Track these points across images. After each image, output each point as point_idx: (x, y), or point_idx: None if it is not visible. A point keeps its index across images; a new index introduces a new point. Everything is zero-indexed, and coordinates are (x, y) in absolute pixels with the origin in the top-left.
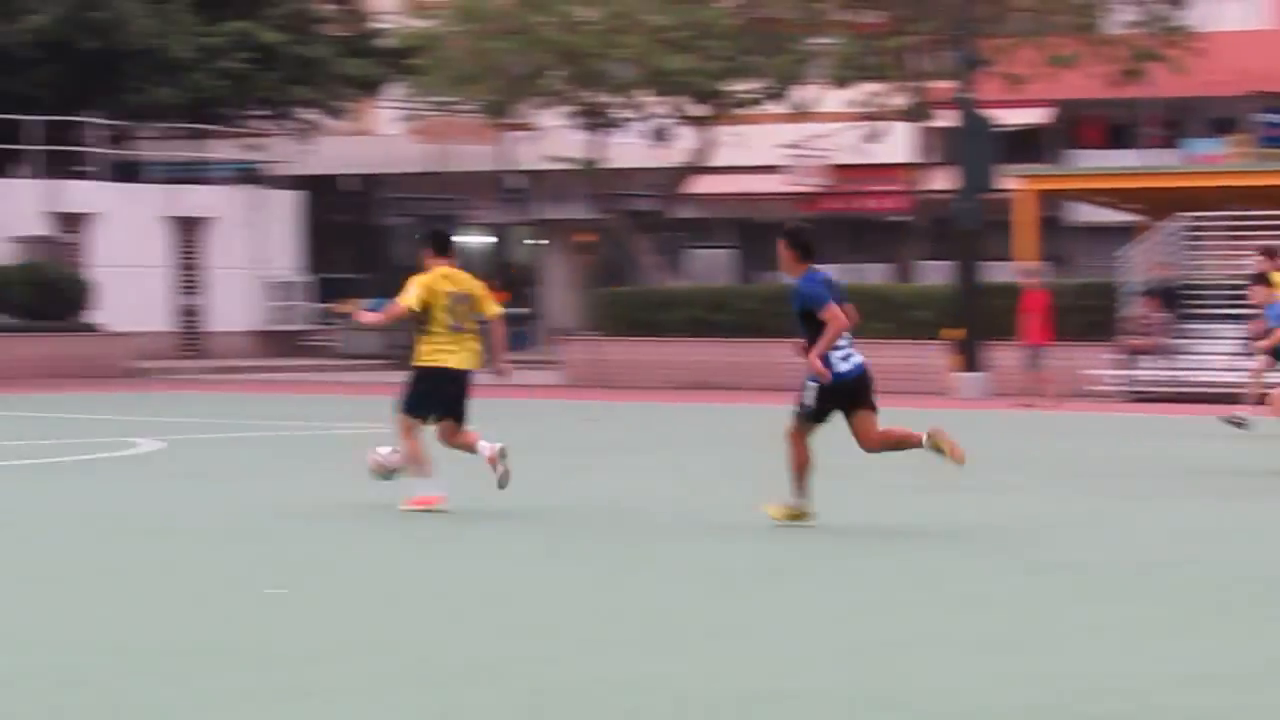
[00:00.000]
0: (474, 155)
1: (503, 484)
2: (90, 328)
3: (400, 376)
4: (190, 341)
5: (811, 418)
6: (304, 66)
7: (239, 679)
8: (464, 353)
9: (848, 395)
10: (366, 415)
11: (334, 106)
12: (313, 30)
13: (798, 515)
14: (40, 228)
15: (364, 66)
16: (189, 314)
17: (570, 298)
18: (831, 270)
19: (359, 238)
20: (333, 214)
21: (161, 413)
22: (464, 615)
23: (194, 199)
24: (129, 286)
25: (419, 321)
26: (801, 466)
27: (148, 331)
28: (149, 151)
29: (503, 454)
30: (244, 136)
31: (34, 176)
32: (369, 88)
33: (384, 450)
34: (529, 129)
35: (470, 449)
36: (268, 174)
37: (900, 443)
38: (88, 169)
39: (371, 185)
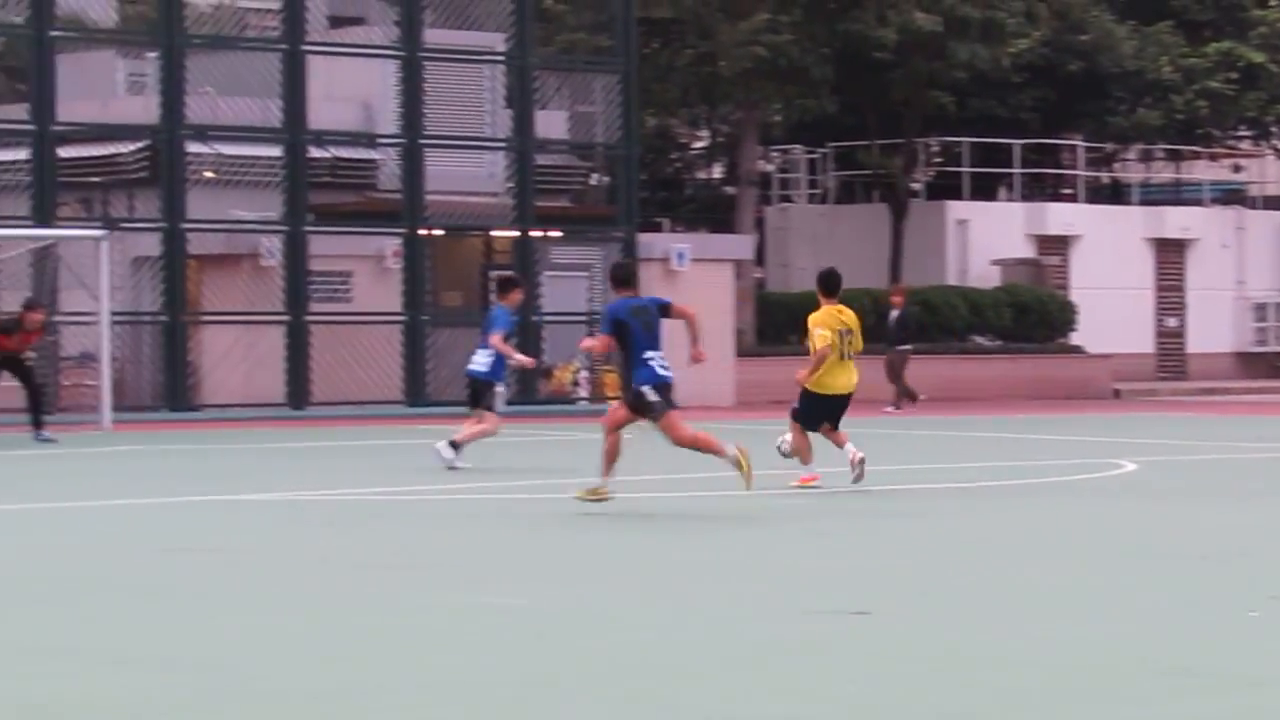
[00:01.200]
0: None
1: (856, 481)
2: (1073, 349)
3: None
4: (1170, 363)
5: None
6: None
7: (1206, 703)
8: (846, 376)
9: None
10: None
11: None
12: None
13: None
14: (1023, 250)
15: None
16: (1169, 336)
17: None
18: None
19: None
20: None
21: (1140, 434)
22: None
23: (1175, 220)
24: (1109, 308)
25: (812, 350)
26: (612, 453)
27: (1127, 353)
28: (1130, 173)
29: (863, 460)
30: (1226, 157)
31: (1017, 199)
32: None
33: (785, 439)
34: None
35: (840, 446)
36: (1250, 194)
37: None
38: (1070, 191)
39: None
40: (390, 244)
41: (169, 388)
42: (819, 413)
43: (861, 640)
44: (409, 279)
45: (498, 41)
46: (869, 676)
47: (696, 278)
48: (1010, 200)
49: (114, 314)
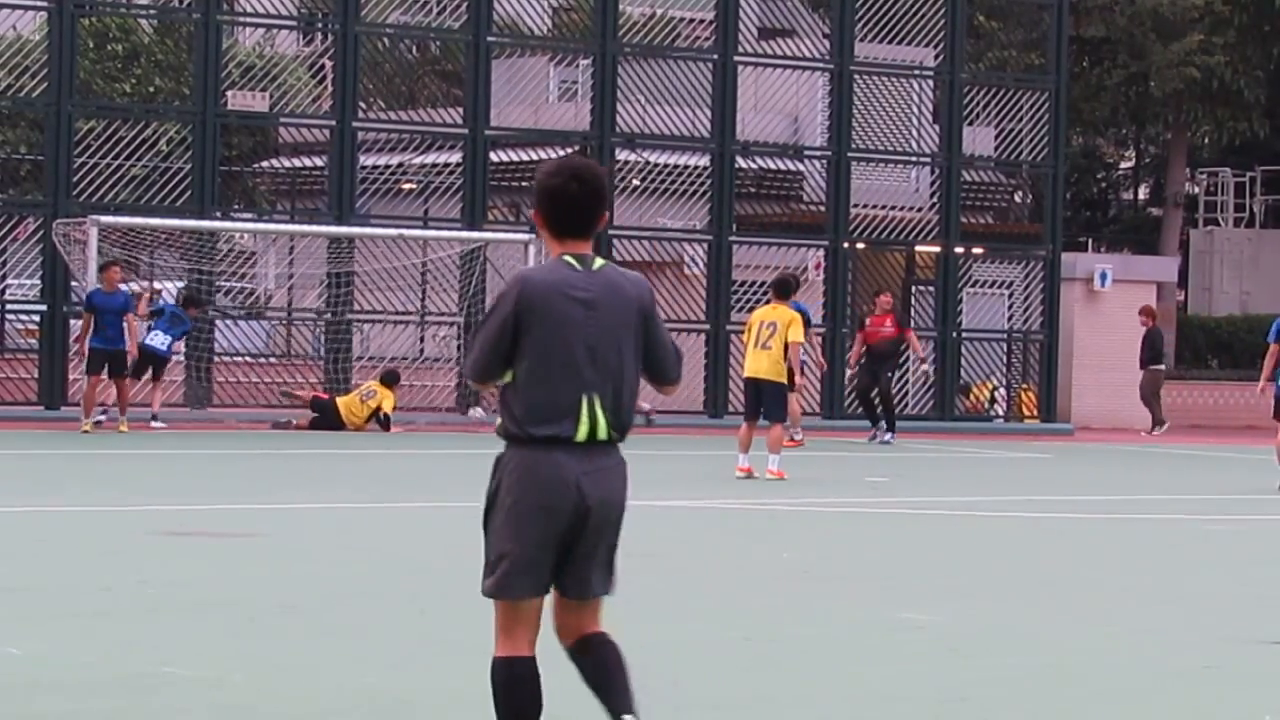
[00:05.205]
0: None
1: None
2: None
3: None
4: None
5: None
6: None
7: None
8: (754, 363)
9: None
10: None
11: None
12: None
13: None
14: None
15: None
16: None
17: None
18: None
19: None
20: None
21: None
22: None
23: None
24: None
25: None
26: None
27: None
28: None
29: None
30: None
31: None
32: None
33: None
34: None
35: (772, 444)
36: None
37: None
38: None
39: None
40: (813, 256)
41: None
42: (748, 399)
43: None
44: (831, 291)
45: (927, 56)
46: None
47: (1118, 299)
48: None
49: None
